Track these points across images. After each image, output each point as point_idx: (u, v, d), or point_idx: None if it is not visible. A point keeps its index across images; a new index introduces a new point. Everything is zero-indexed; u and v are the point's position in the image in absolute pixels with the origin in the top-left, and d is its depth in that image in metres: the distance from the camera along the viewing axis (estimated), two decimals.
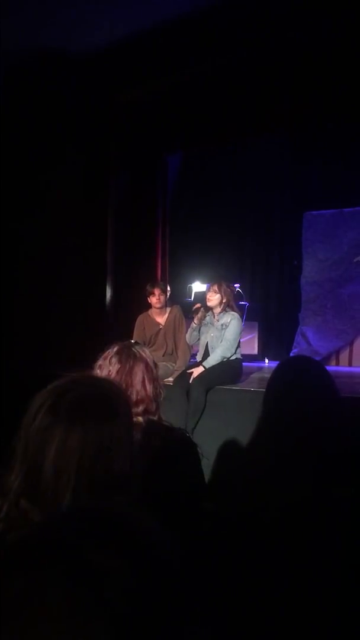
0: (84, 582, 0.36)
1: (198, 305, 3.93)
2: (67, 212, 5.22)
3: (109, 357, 1.43)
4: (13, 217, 5.02)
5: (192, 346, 4.19)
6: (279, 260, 6.63)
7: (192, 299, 5.38)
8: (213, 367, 3.64)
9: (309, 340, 6.08)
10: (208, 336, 3.89)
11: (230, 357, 3.76)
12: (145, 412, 1.40)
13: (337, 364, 6.02)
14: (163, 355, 4.20)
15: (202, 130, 5.42)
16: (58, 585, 0.35)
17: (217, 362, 3.67)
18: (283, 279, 6.60)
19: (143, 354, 1.44)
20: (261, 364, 5.79)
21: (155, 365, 1.49)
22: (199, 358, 3.95)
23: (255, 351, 5.95)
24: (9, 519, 0.82)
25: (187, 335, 4.03)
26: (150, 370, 1.43)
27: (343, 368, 5.86)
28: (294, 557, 0.93)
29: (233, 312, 3.84)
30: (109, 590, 0.36)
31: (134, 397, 1.37)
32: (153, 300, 4.24)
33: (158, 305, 4.24)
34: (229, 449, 3.30)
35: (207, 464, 3.20)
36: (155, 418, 1.42)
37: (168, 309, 4.31)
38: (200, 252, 6.56)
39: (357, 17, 3.68)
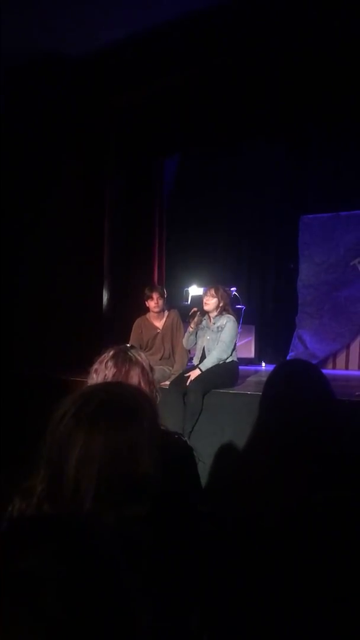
0: (19, 589, 0.36)
1: (194, 309, 3.93)
2: (64, 216, 5.23)
3: (105, 360, 1.43)
4: (10, 220, 5.02)
5: (189, 350, 4.19)
6: (276, 263, 6.63)
7: (189, 302, 5.39)
8: (209, 369, 3.64)
9: (306, 343, 6.08)
10: (204, 339, 3.89)
11: (227, 359, 3.76)
12: None
13: (334, 367, 6.02)
14: (160, 359, 4.20)
15: (199, 134, 5.44)
16: None
17: (214, 364, 3.68)
18: (279, 282, 6.60)
19: (139, 357, 1.44)
20: (258, 368, 5.79)
21: (152, 368, 1.48)
22: (196, 361, 3.95)
23: (252, 354, 5.95)
24: None
25: (184, 340, 4.03)
26: (147, 374, 1.43)
27: (340, 371, 5.87)
28: (291, 559, 0.93)
29: (229, 315, 3.84)
30: (45, 597, 0.36)
31: None
32: (151, 304, 4.23)
33: (156, 309, 4.24)
34: (225, 453, 3.30)
35: (204, 468, 3.20)
36: None
37: (166, 313, 4.31)
38: (196, 256, 6.57)
39: (356, 20, 3.69)
